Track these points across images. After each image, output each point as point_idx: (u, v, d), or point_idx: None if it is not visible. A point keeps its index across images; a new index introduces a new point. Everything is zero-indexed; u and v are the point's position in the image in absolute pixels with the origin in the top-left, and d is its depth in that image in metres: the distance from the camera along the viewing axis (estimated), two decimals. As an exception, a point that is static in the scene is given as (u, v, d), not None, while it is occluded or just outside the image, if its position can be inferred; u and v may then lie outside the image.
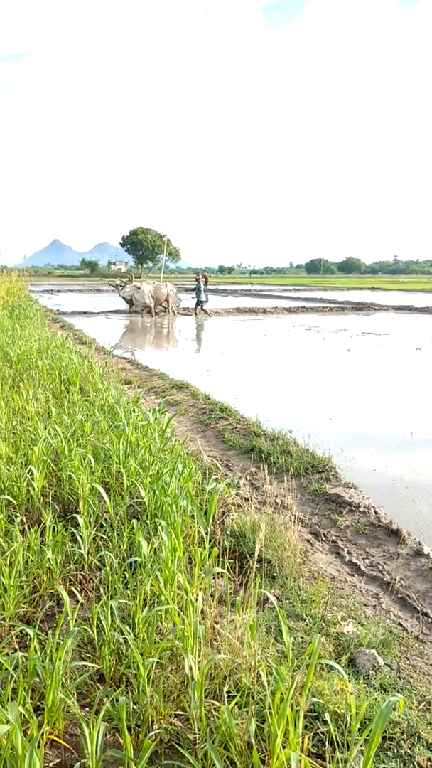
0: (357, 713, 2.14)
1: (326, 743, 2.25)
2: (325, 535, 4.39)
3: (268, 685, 2.27)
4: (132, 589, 3.00)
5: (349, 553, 4.14)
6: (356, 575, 3.86)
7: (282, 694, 2.08)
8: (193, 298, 26.21)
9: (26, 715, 2.13)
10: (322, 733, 2.31)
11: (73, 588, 3.20)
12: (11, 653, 2.60)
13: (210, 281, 30.94)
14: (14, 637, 2.89)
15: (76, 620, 2.78)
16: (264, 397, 9.37)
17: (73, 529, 3.55)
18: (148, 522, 3.79)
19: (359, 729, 2.28)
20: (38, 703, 2.41)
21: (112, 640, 2.66)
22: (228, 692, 2.41)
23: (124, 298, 25.64)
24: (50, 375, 7.86)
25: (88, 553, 3.51)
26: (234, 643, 2.56)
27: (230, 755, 2.13)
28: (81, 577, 3.41)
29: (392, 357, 13.91)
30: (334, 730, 2.24)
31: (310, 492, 5.17)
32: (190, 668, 2.35)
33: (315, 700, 2.38)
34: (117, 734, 2.34)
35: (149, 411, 5.73)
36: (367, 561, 4.04)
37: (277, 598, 3.34)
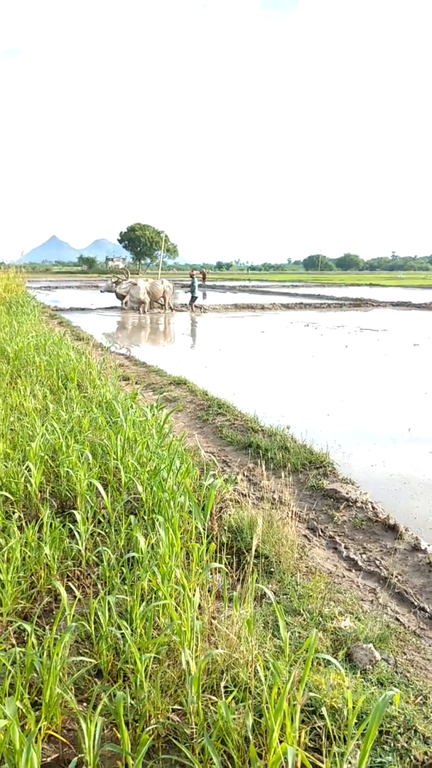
0: (354, 707, 2.14)
1: (323, 737, 2.26)
2: (322, 531, 4.40)
3: (266, 679, 2.28)
4: (129, 584, 3.00)
5: (346, 548, 4.15)
6: (353, 570, 3.87)
7: (279, 688, 2.08)
8: (186, 292, 26.14)
9: (24, 710, 2.13)
10: (319, 727, 2.31)
11: (70, 584, 3.20)
12: (9, 649, 2.60)
13: (208, 277, 30.88)
14: (12, 633, 2.89)
15: (73, 616, 2.78)
16: (262, 393, 9.37)
17: (71, 525, 3.55)
18: (145, 518, 3.79)
19: (356, 723, 2.29)
20: (36, 698, 2.41)
21: (110, 635, 2.66)
22: (225, 687, 2.42)
23: (116, 293, 25.45)
24: (48, 371, 7.85)
25: (86, 549, 3.51)
26: (231, 638, 2.57)
27: (227, 750, 2.14)
28: (78, 573, 3.41)
29: (390, 353, 13.92)
30: (331, 725, 2.24)
31: (307, 488, 5.18)
32: (188, 663, 2.36)
33: (312, 694, 2.39)
34: (114, 729, 2.34)
35: (147, 407, 5.73)
36: (364, 556, 4.05)
37: (275, 593, 3.35)
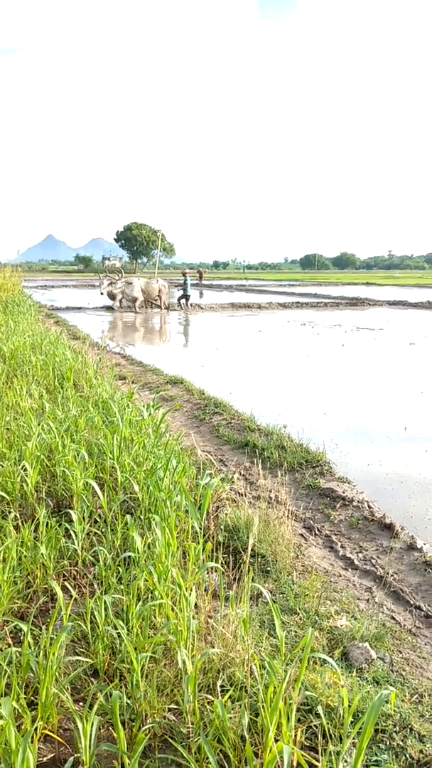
0: (349, 706, 2.15)
1: (319, 736, 2.26)
2: (318, 530, 4.41)
3: (261, 678, 2.28)
4: (126, 584, 3.00)
5: (342, 547, 4.16)
6: (350, 569, 3.87)
7: (275, 687, 2.09)
8: (179, 289, 26.08)
9: (20, 710, 2.13)
10: (315, 726, 2.32)
11: (66, 583, 3.20)
12: (5, 648, 2.60)
13: (205, 276, 30.83)
14: (8, 633, 2.89)
15: (69, 615, 2.78)
16: (259, 392, 9.38)
17: (67, 525, 3.55)
18: (142, 517, 3.79)
19: (352, 722, 2.29)
20: (32, 698, 2.41)
21: (106, 635, 2.66)
22: (221, 686, 2.42)
23: (108, 293, 25.13)
24: (44, 371, 7.83)
25: (82, 549, 3.51)
26: (227, 637, 2.57)
27: (224, 749, 2.14)
28: (75, 573, 3.41)
29: (386, 352, 13.94)
30: (327, 723, 2.25)
31: (304, 487, 5.18)
32: (184, 662, 2.36)
33: (308, 693, 2.40)
34: (111, 728, 2.34)
35: (143, 406, 5.73)
36: (360, 555, 4.06)
37: (271, 592, 3.35)
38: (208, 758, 2.03)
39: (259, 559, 3.66)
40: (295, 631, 2.96)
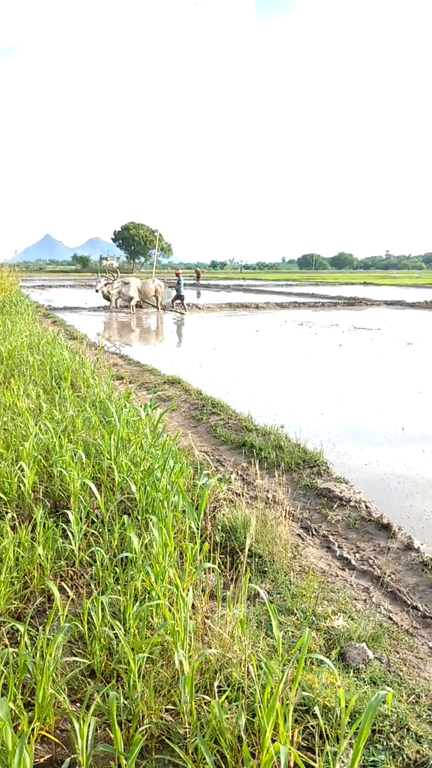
0: (346, 706, 2.15)
1: (316, 736, 2.26)
2: (316, 530, 4.41)
3: (258, 679, 2.28)
4: (123, 584, 3.00)
5: (339, 547, 4.16)
6: (347, 569, 3.88)
7: (272, 688, 2.09)
8: (173, 289, 26.11)
9: (16, 711, 2.13)
10: (311, 726, 2.32)
11: (63, 584, 3.20)
12: (2, 649, 2.59)
13: (202, 276, 30.81)
14: (5, 633, 2.88)
15: (66, 616, 2.78)
16: (256, 392, 9.38)
17: (64, 525, 3.54)
18: (139, 518, 3.79)
19: (349, 722, 2.30)
20: (29, 698, 2.41)
21: (103, 635, 2.66)
22: (218, 687, 2.42)
23: (104, 293, 25.21)
24: (41, 371, 7.82)
25: (79, 549, 3.50)
26: (224, 637, 2.57)
27: (221, 749, 2.14)
28: (72, 573, 3.41)
29: (384, 352, 13.96)
30: (324, 724, 2.25)
31: (301, 487, 5.19)
32: (181, 663, 2.36)
33: (305, 693, 2.39)
34: (107, 729, 2.34)
35: (141, 406, 5.72)
36: (357, 555, 4.06)
37: (268, 592, 3.35)
38: (205, 759, 2.03)
39: (257, 560, 3.66)
40: (292, 632, 2.96)
